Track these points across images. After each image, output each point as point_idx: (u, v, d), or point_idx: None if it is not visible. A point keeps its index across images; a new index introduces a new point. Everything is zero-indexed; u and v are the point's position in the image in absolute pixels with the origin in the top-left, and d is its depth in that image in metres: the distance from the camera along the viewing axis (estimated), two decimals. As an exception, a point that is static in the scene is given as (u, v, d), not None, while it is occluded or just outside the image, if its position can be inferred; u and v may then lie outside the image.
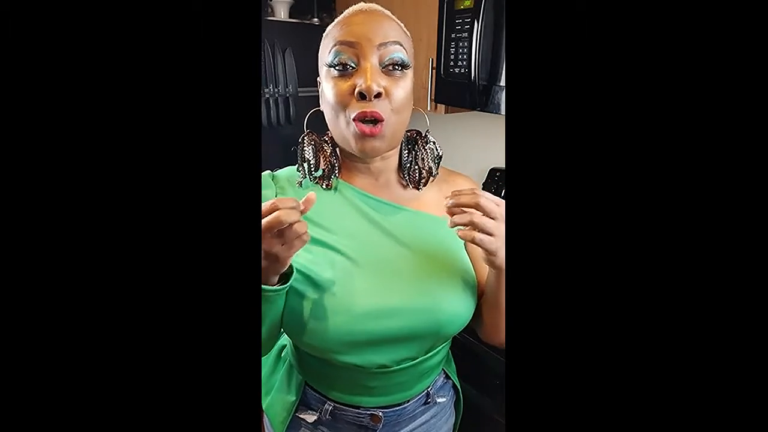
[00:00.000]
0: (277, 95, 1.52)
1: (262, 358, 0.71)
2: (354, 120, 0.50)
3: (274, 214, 0.42)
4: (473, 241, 0.47)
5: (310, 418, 0.64)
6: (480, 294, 0.61)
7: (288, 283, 0.50)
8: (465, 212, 0.47)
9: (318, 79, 0.58)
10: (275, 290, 0.49)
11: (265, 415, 0.69)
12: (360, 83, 0.49)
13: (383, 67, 0.51)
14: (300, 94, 1.57)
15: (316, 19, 1.68)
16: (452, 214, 0.48)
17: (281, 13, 1.57)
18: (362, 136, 0.51)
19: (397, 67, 0.51)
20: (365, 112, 0.49)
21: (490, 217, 0.46)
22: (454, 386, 0.72)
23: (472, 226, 0.47)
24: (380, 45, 0.50)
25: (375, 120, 0.50)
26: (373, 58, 0.50)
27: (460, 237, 0.48)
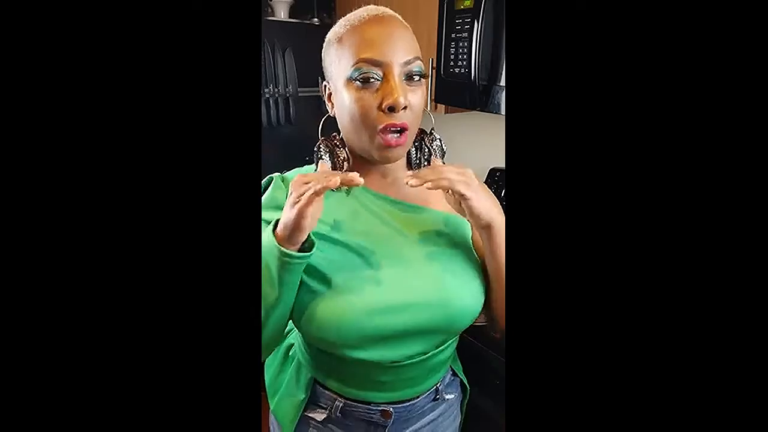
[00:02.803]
0: (277, 95, 1.52)
1: (269, 359, 0.72)
2: (380, 132, 0.52)
3: (332, 179, 0.46)
4: (440, 186, 0.50)
5: (320, 416, 0.64)
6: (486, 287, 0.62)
7: (311, 252, 0.51)
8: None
9: (325, 84, 0.59)
10: (300, 257, 0.50)
11: (273, 416, 0.69)
12: (388, 97, 0.51)
13: (405, 79, 0.53)
14: (300, 94, 1.57)
15: (316, 19, 1.68)
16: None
17: (281, 13, 1.57)
18: (388, 147, 0.53)
19: (416, 78, 0.53)
20: (395, 124, 0.52)
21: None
22: (461, 384, 0.73)
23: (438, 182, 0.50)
24: (404, 63, 0.52)
25: (401, 130, 0.52)
26: (398, 72, 0.52)
27: (429, 188, 0.50)
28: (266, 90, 1.49)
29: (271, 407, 0.69)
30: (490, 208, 0.53)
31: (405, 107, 0.52)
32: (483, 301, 0.60)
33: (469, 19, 1.06)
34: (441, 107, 1.27)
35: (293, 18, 1.60)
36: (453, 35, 1.11)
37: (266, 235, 0.51)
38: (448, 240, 0.60)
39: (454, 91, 1.16)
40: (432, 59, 1.22)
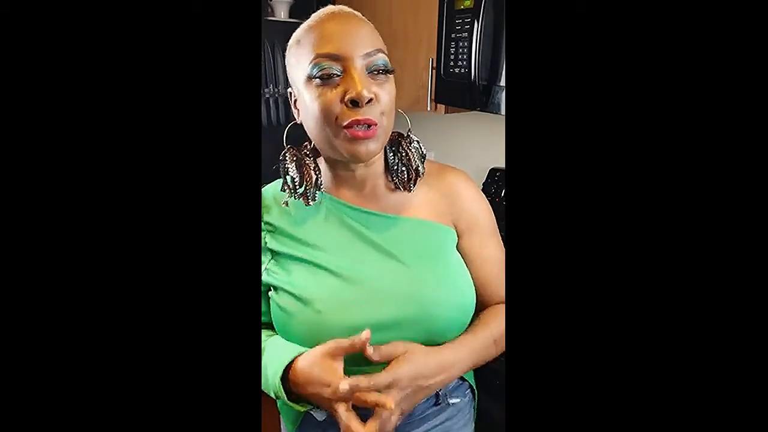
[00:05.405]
0: (277, 95, 1.52)
1: None
2: (345, 127, 0.49)
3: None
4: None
5: (321, 416, 0.64)
6: (477, 293, 0.61)
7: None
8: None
9: (290, 90, 0.57)
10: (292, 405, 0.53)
11: (281, 414, 0.69)
12: (350, 90, 0.48)
13: (369, 73, 0.50)
14: (300, 94, 1.57)
15: (316, 19, 1.67)
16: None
17: (281, 13, 1.57)
18: (356, 140, 0.50)
19: (381, 72, 0.51)
20: (358, 119, 0.48)
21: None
22: (470, 388, 0.71)
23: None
24: (365, 55, 0.50)
25: (368, 125, 0.49)
26: (359, 65, 0.49)
27: None
28: (266, 90, 1.49)
29: (279, 404, 0.68)
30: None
31: (370, 100, 0.48)
32: (469, 308, 0.58)
33: (469, 19, 1.06)
34: (441, 107, 1.27)
35: (293, 18, 1.59)
36: (453, 35, 1.11)
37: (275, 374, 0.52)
38: (430, 251, 0.58)
39: (454, 91, 1.16)
40: (432, 59, 1.22)
